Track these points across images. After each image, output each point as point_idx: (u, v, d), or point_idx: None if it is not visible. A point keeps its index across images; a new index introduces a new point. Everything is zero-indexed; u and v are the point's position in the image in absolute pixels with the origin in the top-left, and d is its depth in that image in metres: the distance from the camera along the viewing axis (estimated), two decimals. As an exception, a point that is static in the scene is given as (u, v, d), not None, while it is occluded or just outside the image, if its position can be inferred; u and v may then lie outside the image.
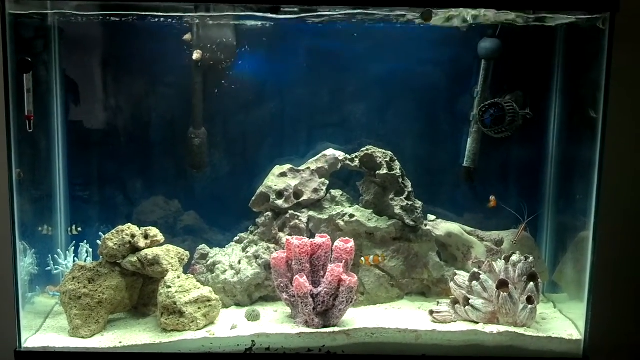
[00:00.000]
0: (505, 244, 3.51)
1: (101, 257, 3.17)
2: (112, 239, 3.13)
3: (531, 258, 3.16)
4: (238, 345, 2.97)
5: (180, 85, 3.52)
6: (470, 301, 3.11)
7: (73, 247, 3.44)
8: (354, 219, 3.39)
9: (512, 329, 3.03)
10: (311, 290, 3.05)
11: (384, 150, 3.43)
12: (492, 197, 3.41)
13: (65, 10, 3.25)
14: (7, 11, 2.77)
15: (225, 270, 3.37)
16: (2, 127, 2.82)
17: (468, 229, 3.59)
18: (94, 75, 3.49)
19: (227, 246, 3.53)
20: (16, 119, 2.85)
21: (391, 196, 3.41)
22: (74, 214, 3.56)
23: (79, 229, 3.41)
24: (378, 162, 3.41)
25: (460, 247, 3.52)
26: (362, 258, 3.31)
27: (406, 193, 3.42)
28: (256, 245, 3.43)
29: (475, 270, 3.18)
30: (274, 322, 3.17)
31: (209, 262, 3.43)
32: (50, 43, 3.36)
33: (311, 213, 3.45)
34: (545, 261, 3.57)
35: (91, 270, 3.11)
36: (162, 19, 3.36)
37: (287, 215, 3.43)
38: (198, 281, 3.23)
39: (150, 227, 3.23)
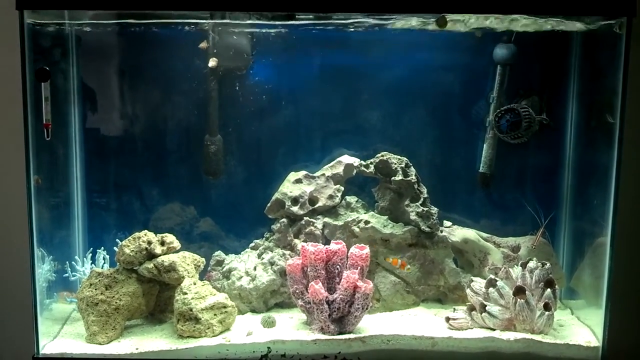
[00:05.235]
0: (522, 250, 3.49)
1: (118, 263, 3.19)
2: (128, 246, 3.15)
3: (548, 264, 3.14)
4: (254, 351, 2.97)
5: (196, 92, 3.53)
6: (486, 308, 3.09)
7: (90, 254, 3.46)
8: (369, 225, 3.39)
9: (529, 335, 3.01)
10: (327, 297, 3.04)
11: (399, 157, 3.42)
12: (399, 260, 3.35)
13: (82, 19, 3.29)
14: (25, 21, 2.81)
15: (241, 277, 3.38)
16: (21, 135, 2.84)
17: (484, 235, 3.56)
18: (110, 84, 3.52)
19: (242, 252, 3.54)
20: (34, 127, 2.88)
21: (407, 202, 3.40)
22: (91, 220, 3.59)
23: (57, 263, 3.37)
24: (393, 168, 3.40)
25: (477, 253, 3.50)
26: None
27: (422, 199, 3.40)
28: (271, 251, 3.43)
29: (492, 276, 3.16)
30: (290, 328, 3.17)
31: (224, 269, 3.44)
32: (67, 51, 3.39)
33: (326, 219, 3.45)
34: (562, 267, 3.54)
35: (108, 277, 3.13)
36: (178, 27, 3.38)
37: (303, 222, 3.43)
38: (214, 288, 3.24)
39: (166, 234, 3.24)
